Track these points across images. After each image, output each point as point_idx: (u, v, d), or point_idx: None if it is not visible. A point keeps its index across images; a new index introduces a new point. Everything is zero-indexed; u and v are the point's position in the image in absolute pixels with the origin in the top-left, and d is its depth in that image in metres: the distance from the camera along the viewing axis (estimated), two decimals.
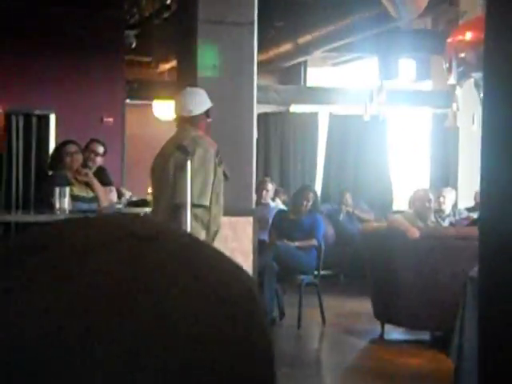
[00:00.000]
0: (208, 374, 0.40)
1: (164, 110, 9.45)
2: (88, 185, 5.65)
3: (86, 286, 0.39)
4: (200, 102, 4.27)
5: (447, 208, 7.38)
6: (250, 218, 5.82)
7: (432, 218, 6.57)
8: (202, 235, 4.07)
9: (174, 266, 0.42)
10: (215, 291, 0.42)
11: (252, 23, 6.01)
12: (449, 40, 6.61)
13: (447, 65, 6.65)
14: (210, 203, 4.05)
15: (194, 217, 4.09)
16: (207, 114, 4.31)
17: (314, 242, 6.80)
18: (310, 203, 7.11)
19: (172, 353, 0.39)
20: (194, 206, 4.05)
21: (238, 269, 0.47)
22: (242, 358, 0.41)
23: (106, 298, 0.39)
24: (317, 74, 11.43)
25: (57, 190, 5.19)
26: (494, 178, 2.08)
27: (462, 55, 6.31)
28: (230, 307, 0.42)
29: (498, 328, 2.13)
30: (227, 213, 5.72)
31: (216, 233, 4.22)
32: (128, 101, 9.11)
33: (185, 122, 4.19)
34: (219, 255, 0.47)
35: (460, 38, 6.41)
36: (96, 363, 0.38)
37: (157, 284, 0.41)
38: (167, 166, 4.10)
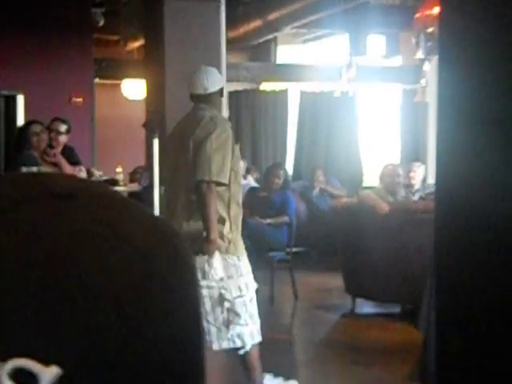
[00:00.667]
0: (125, 331, 0.40)
1: (133, 89, 9.39)
2: (56, 165, 5.62)
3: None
4: (214, 80, 4.23)
5: (417, 183, 7.44)
6: None
7: (402, 192, 6.63)
8: (224, 213, 4.02)
9: (92, 223, 0.42)
10: (135, 247, 0.42)
11: None
12: (417, 15, 6.63)
13: (416, 40, 6.68)
14: (229, 181, 4.01)
15: (216, 195, 4.02)
16: (221, 92, 4.29)
17: (286, 218, 6.83)
18: (281, 181, 7.14)
19: (90, 309, 0.39)
20: (214, 184, 4.00)
21: (163, 226, 0.46)
22: (159, 312, 0.42)
23: (20, 256, 0.39)
24: (287, 52, 11.40)
25: (24, 170, 5.15)
26: (449, 150, 2.11)
27: (430, 30, 6.34)
28: (149, 262, 0.42)
29: (454, 302, 2.16)
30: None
31: (237, 217, 4.02)
32: (97, 80, 9.03)
33: (200, 100, 4.13)
34: (144, 212, 0.46)
35: (428, 12, 6.43)
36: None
37: (73, 242, 0.40)
38: (187, 145, 4.02)
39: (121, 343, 0.39)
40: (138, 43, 9.16)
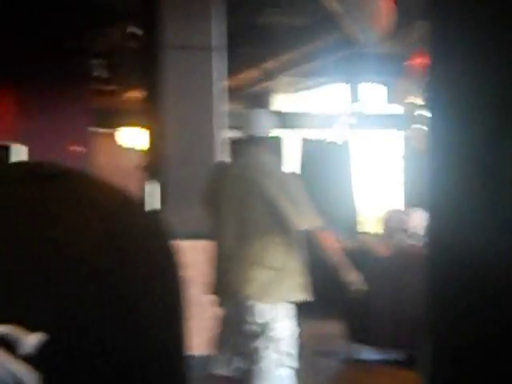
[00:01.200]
0: (106, 297, 0.41)
1: (129, 137, 9.45)
2: None
3: None
4: (272, 123, 4.32)
5: (417, 228, 7.41)
6: None
7: (404, 238, 6.60)
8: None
9: (72, 197, 0.44)
10: (111, 217, 0.45)
11: (217, 48, 6.05)
12: (406, 63, 6.72)
13: (407, 87, 6.77)
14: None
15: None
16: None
17: None
18: None
19: (71, 275, 0.41)
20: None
21: (134, 201, 0.49)
22: (138, 278, 0.44)
23: (6, 231, 0.41)
24: (285, 100, 11.50)
25: None
26: (441, 196, 2.10)
27: (422, 77, 6.42)
28: (127, 232, 0.45)
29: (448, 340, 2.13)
30: (198, 236, 5.70)
31: None
32: (94, 129, 9.09)
33: (261, 143, 4.17)
34: (119, 189, 0.48)
35: (418, 60, 6.54)
36: None
37: (52, 212, 0.42)
38: (268, 193, 4.05)
39: (101, 308, 0.41)
40: (134, 93, 9.25)
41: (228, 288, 4.17)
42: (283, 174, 4.18)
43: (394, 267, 5.90)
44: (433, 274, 2.18)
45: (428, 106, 2.24)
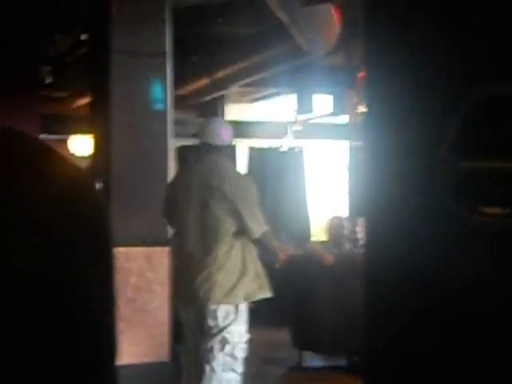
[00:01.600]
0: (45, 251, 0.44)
1: (80, 145, 9.39)
2: None
3: None
4: (231, 133, 4.49)
5: (363, 237, 7.53)
6: (166, 248, 5.79)
7: (347, 245, 6.70)
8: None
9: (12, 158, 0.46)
10: (50, 182, 0.48)
11: (164, 54, 6.07)
12: (360, 74, 6.84)
13: (357, 98, 6.88)
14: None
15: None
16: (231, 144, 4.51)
17: None
18: None
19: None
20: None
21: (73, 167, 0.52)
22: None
23: None
24: (236, 110, 11.56)
25: None
26: (377, 201, 2.16)
27: None
28: (68, 195, 0.48)
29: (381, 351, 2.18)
30: (143, 243, 5.71)
31: None
32: (44, 136, 9.00)
33: (218, 151, 4.30)
34: (61, 159, 0.51)
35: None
36: None
37: None
38: (221, 195, 4.27)
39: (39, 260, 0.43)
40: (85, 100, 9.20)
41: (191, 292, 4.27)
42: (242, 179, 4.40)
43: (338, 275, 5.98)
44: (368, 281, 2.24)
45: (364, 115, 2.30)
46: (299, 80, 9.43)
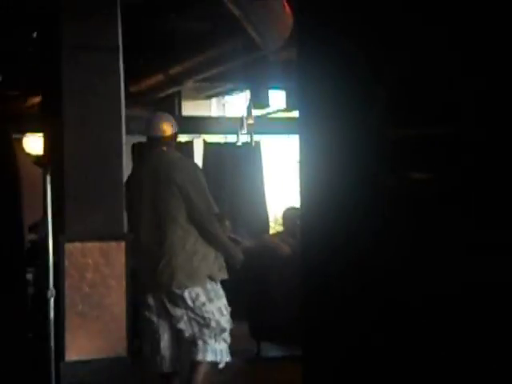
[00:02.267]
0: None
1: (35, 144, 9.30)
2: None
3: None
4: (173, 124, 4.67)
5: None
6: (122, 243, 5.78)
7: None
8: None
9: None
10: None
11: (117, 48, 6.05)
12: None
13: None
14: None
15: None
16: (176, 136, 4.75)
17: None
18: None
19: None
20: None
21: None
22: None
23: None
24: (192, 106, 11.57)
25: None
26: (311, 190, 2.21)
27: None
28: None
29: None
30: (98, 238, 5.69)
31: None
32: None
33: (162, 143, 4.55)
34: None
35: None
36: None
37: None
38: (172, 184, 4.50)
39: None
40: (38, 98, 9.12)
41: (155, 280, 4.50)
42: (189, 165, 4.69)
43: (293, 264, 6.04)
44: (303, 271, 2.29)
45: (297, 107, 2.35)
46: (253, 75, 9.48)
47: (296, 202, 10.42)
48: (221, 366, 4.68)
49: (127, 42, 6.33)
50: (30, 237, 7.46)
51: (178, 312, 4.48)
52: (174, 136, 4.70)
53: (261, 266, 6.29)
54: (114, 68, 6.07)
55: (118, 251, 5.76)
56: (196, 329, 4.48)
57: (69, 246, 5.59)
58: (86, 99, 5.95)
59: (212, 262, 4.51)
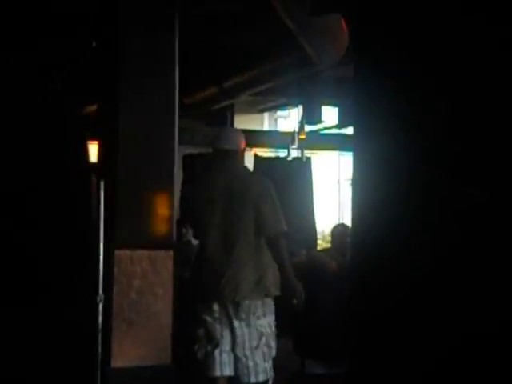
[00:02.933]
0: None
1: (91, 151, 9.43)
2: None
3: None
4: (243, 138, 4.84)
5: None
6: (170, 252, 5.83)
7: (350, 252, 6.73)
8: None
9: None
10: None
11: (173, 60, 6.12)
12: None
13: None
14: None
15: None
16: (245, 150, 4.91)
17: None
18: None
19: None
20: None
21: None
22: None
23: None
24: (244, 120, 11.63)
25: None
26: (363, 206, 2.21)
27: None
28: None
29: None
30: (147, 247, 5.75)
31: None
32: None
33: (233, 156, 4.66)
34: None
35: None
36: None
37: None
38: (245, 199, 4.60)
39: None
40: (92, 107, 9.27)
41: (221, 290, 4.63)
42: (262, 180, 4.78)
43: (341, 282, 6.00)
44: (353, 288, 2.27)
45: (353, 121, 2.35)
46: (306, 90, 9.48)
47: (345, 219, 10.35)
48: (270, 383, 4.77)
49: (183, 53, 6.40)
50: None
51: (238, 323, 4.63)
52: (244, 150, 4.86)
53: (308, 282, 6.25)
54: (170, 79, 6.15)
55: (166, 260, 5.81)
56: (249, 345, 4.62)
57: (118, 253, 5.66)
58: (141, 109, 6.04)
59: (271, 277, 4.63)
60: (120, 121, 5.99)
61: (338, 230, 6.66)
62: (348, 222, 9.90)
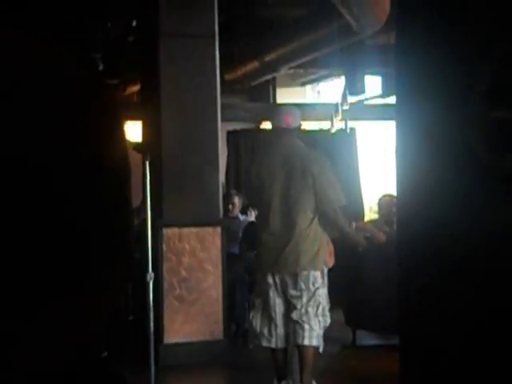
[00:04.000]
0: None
1: (133, 131, 9.50)
2: None
3: None
4: (300, 116, 5.03)
5: None
6: (218, 229, 5.86)
7: None
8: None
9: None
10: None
11: (213, 36, 6.10)
12: None
13: None
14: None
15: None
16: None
17: None
18: None
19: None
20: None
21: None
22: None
23: None
24: (286, 94, 11.55)
25: None
26: (408, 170, 2.17)
27: None
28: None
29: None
30: (195, 224, 5.78)
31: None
32: None
33: (293, 133, 4.79)
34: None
35: None
36: None
37: None
38: (306, 173, 4.78)
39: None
40: (137, 87, 9.32)
41: (282, 262, 4.82)
42: (320, 157, 4.98)
43: (389, 253, 5.95)
44: (402, 257, 2.25)
45: (394, 88, 2.30)
46: (349, 60, 9.36)
47: (391, 190, 10.25)
48: (321, 350, 4.96)
49: (223, 29, 6.37)
50: None
51: (297, 293, 4.80)
52: (300, 128, 4.96)
53: (356, 254, 6.22)
54: (211, 56, 6.13)
55: (213, 236, 5.84)
56: (306, 310, 4.79)
57: (166, 231, 5.71)
58: (183, 87, 6.04)
59: (325, 249, 4.84)
60: (162, 99, 6.01)
61: (385, 201, 6.60)
62: (394, 192, 9.79)
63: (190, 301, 5.75)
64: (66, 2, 7.56)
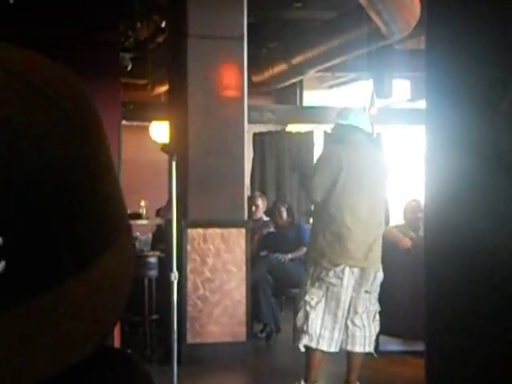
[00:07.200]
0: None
1: (160, 131, 9.55)
2: None
3: None
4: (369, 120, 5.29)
5: None
6: (243, 230, 5.86)
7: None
8: None
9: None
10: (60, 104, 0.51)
11: (241, 38, 6.10)
12: None
13: None
14: None
15: None
16: None
17: (304, 250, 6.85)
18: (285, 216, 7.32)
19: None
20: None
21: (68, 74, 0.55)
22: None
23: None
24: (313, 96, 11.53)
25: None
26: (437, 176, 2.15)
27: None
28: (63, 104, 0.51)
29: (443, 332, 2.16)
30: (220, 224, 5.79)
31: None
32: (124, 122, 9.22)
33: (366, 135, 4.90)
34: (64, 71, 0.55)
35: None
36: None
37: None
38: (381, 173, 4.93)
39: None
40: (164, 87, 9.36)
41: (358, 258, 4.74)
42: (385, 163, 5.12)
43: (415, 258, 5.91)
44: (430, 264, 2.22)
45: (425, 88, 2.28)
46: (376, 64, 9.32)
47: (418, 195, 10.18)
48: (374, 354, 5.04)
49: (252, 31, 6.38)
50: (156, 221, 7.69)
51: (366, 294, 4.82)
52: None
53: (383, 259, 6.19)
54: (239, 57, 6.14)
55: (238, 237, 5.84)
56: (367, 315, 4.83)
57: (191, 232, 5.72)
58: (211, 88, 6.05)
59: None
60: (189, 100, 6.03)
61: (411, 206, 6.55)
62: (420, 197, 9.73)
63: (214, 301, 5.75)
64: (96, 2, 7.62)
